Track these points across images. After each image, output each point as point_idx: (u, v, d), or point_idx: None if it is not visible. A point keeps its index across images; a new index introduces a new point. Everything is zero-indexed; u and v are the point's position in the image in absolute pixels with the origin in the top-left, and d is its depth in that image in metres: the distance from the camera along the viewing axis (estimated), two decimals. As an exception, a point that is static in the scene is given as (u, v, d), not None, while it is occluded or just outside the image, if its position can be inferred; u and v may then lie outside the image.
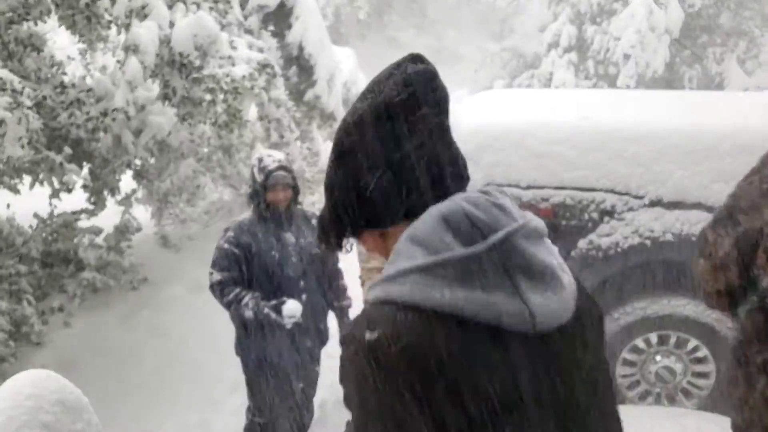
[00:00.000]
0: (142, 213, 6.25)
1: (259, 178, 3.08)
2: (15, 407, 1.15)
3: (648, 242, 3.45)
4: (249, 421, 3.33)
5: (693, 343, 3.52)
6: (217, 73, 5.05)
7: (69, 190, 4.91)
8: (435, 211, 0.96)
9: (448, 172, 1.02)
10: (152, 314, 5.29)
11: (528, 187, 3.56)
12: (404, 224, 1.00)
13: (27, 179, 4.86)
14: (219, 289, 3.06)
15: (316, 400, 3.53)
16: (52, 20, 4.84)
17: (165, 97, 5.15)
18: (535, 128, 3.62)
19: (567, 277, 1.01)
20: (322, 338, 3.35)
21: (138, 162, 5.73)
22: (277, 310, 2.99)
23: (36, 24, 4.57)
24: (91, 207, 5.50)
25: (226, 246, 3.09)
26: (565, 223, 3.53)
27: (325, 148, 8.38)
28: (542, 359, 0.95)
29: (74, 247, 5.36)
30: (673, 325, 3.50)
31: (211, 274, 3.09)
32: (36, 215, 5.34)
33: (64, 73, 5.19)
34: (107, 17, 4.72)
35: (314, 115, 8.14)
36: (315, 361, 3.35)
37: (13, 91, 3.76)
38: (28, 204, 5.17)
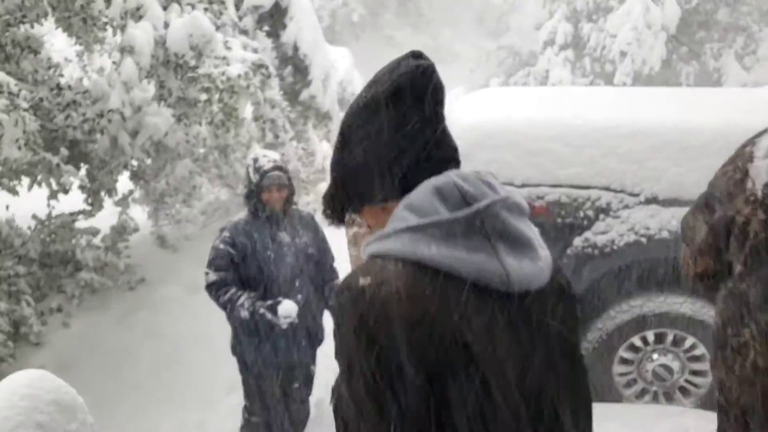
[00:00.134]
0: (139, 214, 6.26)
1: (255, 178, 3.09)
2: (10, 407, 1.15)
3: (644, 240, 3.43)
4: (245, 421, 3.34)
5: (690, 341, 3.50)
6: (213, 72, 5.06)
7: (66, 192, 4.92)
8: (429, 183, 1.08)
9: (442, 153, 1.14)
10: (149, 315, 5.29)
11: (523, 185, 3.54)
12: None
13: (25, 181, 4.89)
14: (215, 290, 3.07)
15: (312, 400, 3.54)
16: (49, 23, 4.86)
17: (161, 97, 5.15)
18: (530, 126, 3.61)
19: (543, 252, 1.12)
20: (318, 338, 3.35)
21: (135, 163, 5.74)
22: (273, 310, 3.00)
23: (33, 26, 4.59)
24: (88, 208, 5.51)
25: (221, 246, 3.10)
26: (561, 220, 3.52)
27: (321, 149, 8.38)
28: (517, 317, 1.05)
29: (72, 247, 5.37)
30: (670, 323, 3.48)
31: (207, 274, 3.10)
32: (34, 216, 5.35)
33: (61, 75, 5.20)
34: (103, 19, 4.73)
35: (309, 115, 8.14)
36: (311, 360, 3.36)
37: (10, 93, 3.78)
38: (26, 205, 5.19)
